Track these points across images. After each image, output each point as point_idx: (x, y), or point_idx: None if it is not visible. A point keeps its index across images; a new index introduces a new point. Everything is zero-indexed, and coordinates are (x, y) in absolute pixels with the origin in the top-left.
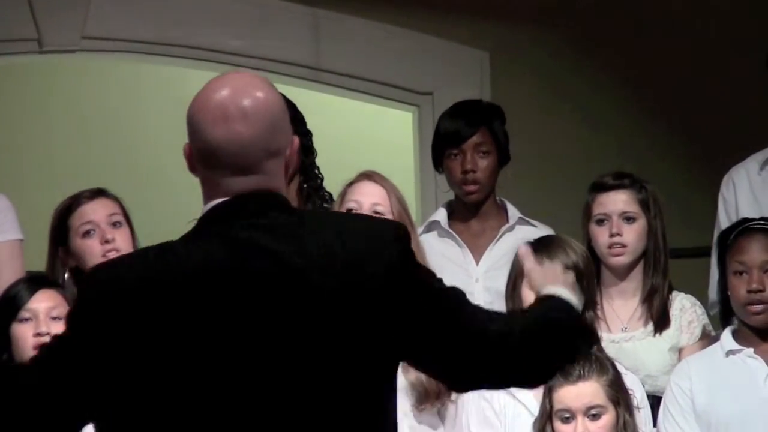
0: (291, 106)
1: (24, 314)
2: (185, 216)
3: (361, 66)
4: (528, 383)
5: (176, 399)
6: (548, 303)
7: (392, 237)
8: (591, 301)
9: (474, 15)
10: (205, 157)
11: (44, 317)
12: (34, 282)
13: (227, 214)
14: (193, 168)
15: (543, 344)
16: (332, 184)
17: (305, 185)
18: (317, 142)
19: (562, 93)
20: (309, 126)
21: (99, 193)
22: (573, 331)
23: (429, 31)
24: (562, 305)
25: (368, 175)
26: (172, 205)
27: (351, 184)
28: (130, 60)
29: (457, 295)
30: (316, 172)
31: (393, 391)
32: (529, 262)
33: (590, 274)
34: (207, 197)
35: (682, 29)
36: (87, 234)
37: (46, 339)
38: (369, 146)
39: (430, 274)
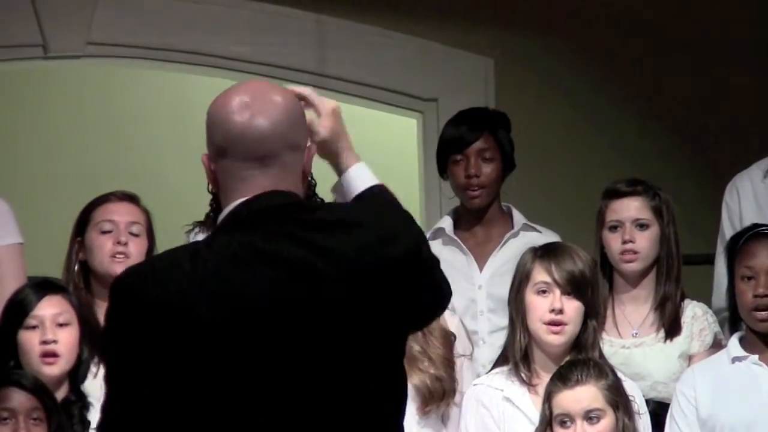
0: None
1: (30, 321)
2: (187, 220)
3: (366, 72)
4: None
5: (205, 405)
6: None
7: (411, 224)
8: (595, 311)
9: (479, 22)
10: (224, 150)
11: (50, 324)
12: (41, 288)
13: (250, 220)
14: (211, 174)
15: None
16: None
17: None
18: None
19: (567, 100)
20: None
21: (130, 198)
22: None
23: (433, 38)
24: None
25: None
26: (175, 210)
27: None
28: (134, 66)
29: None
30: (309, 177)
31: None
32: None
33: (596, 283)
34: (226, 197)
35: (688, 36)
36: (104, 231)
37: (53, 347)
38: (373, 152)
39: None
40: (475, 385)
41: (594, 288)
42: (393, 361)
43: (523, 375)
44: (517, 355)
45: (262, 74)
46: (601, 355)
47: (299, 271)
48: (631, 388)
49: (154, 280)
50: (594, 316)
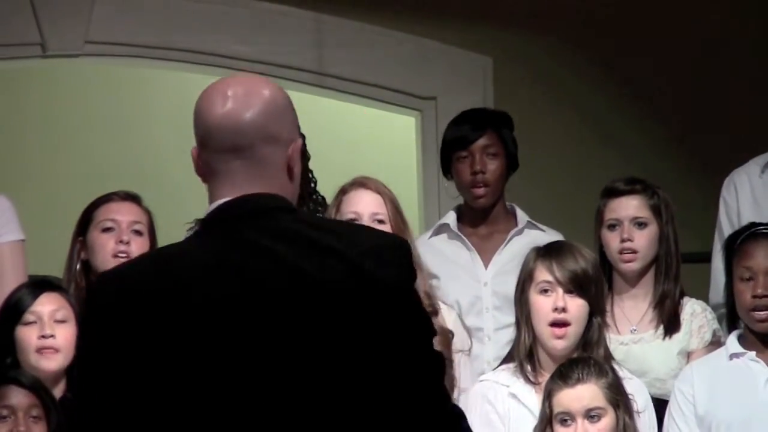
0: None
1: (28, 317)
2: (188, 218)
3: (364, 71)
4: None
5: (182, 404)
6: None
7: (401, 248)
8: (600, 308)
9: (478, 21)
10: (204, 139)
11: (48, 320)
12: (38, 285)
13: (230, 217)
14: (198, 168)
15: None
16: (334, 188)
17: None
18: (320, 146)
19: (565, 99)
20: (311, 129)
21: (132, 197)
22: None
23: (432, 37)
24: None
25: (363, 183)
26: (175, 209)
27: (345, 192)
28: (133, 65)
29: (439, 362)
30: (310, 175)
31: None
32: None
33: (599, 281)
34: (211, 193)
35: (685, 34)
36: (106, 230)
37: (51, 342)
38: (371, 151)
39: (423, 319)
40: (481, 381)
41: (598, 285)
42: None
43: (528, 373)
44: (522, 354)
45: (261, 73)
46: (608, 352)
47: (264, 255)
48: (636, 386)
49: (125, 272)
50: (599, 313)
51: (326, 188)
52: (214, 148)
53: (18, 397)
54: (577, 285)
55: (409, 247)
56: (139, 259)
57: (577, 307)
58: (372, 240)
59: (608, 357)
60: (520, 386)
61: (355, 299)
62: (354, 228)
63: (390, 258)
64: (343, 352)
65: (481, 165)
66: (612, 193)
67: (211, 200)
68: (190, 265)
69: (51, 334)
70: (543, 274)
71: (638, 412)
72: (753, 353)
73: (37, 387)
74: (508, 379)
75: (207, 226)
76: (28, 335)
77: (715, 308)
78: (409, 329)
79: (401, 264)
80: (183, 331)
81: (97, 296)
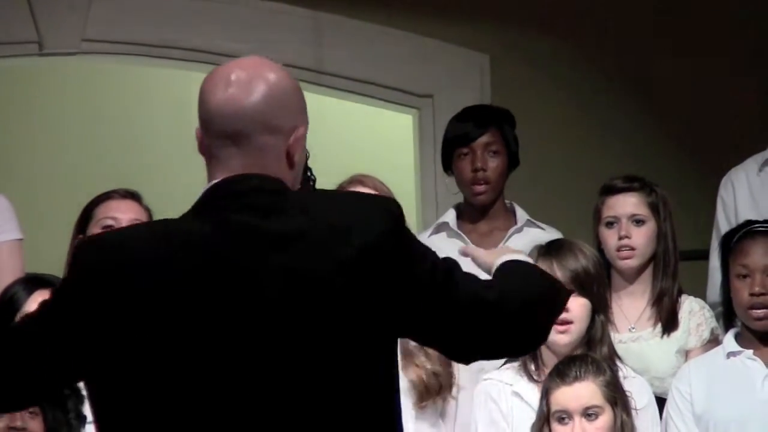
0: None
1: (19, 317)
2: None
3: (362, 69)
4: (527, 347)
5: (164, 381)
6: (518, 268)
7: (383, 208)
8: (603, 305)
9: (474, 18)
10: (205, 123)
11: None
12: (31, 283)
13: (220, 196)
14: (201, 148)
15: (535, 306)
16: (331, 186)
17: (297, 187)
18: (317, 144)
19: (563, 96)
20: (309, 127)
21: (132, 195)
22: (552, 288)
23: (430, 34)
24: (529, 268)
25: (360, 181)
26: (171, 207)
27: (344, 189)
28: (130, 63)
29: (450, 267)
30: (309, 173)
31: (394, 377)
32: (472, 250)
33: (601, 278)
34: (208, 176)
35: (684, 31)
36: (106, 227)
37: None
38: (369, 148)
39: (421, 247)
40: (485, 379)
41: (600, 283)
42: (367, 357)
43: (531, 372)
44: None
45: None
46: (612, 349)
47: (252, 231)
48: (639, 384)
49: (111, 239)
50: (602, 311)
51: (323, 186)
52: (214, 132)
53: None
54: (578, 284)
55: (393, 201)
56: (125, 229)
57: (579, 306)
58: (353, 203)
59: (612, 355)
60: (523, 385)
61: (342, 268)
62: (339, 200)
63: (370, 216)
64: (329, 323)
65: (482, 162)
66: (610, 190)
67: (208, 179)
68: (170, 241)
69: None
70: None
71: (636, 410)
72: (750, 351)
73: None
74: (511, 377)
75: (195, 206)
76: None
77: (712, 306)
78: (410, 274)
79: (383, 216)
80: (164, 307)
81: (78, 258)
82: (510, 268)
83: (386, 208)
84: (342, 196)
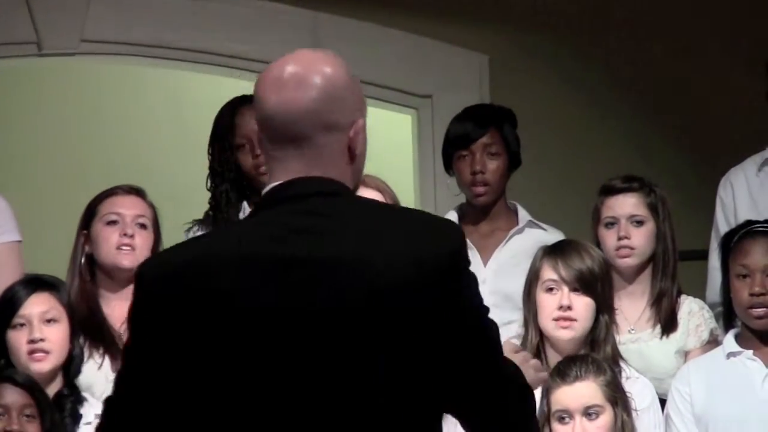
0: None
1: (18, 320)
2: (184, 218)
3: (360, 69)
4: None
5: (225, 394)
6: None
7: (447, 242)
8: (607, 306)
9: (473, 18)
10: (261, 125)
11: (38, 323)
12: (30, 285)
13: (278, 200)
14: (260, 148)
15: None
16: None
17: None
18: None
19: (562, 97)
20: None
21: (136, 191)
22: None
23: (428, 35)
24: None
25: (363, 181)
26: (171, 207)
27: None
28: (128, 63)
29: (494, 335)
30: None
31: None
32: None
33: (606, 279)
34: (269, 176)
35: (682, 32)
36: (110, 223)
37: (40, 345)
38: (369, 148)
39: (476, 298)
40: None
41: (605, 284)
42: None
43: None
44: (529, 352)
45: (257, 71)
46: (615, 350)
47: (307, 239)
48: (642, 385)
49: (166, 257)
50: (606, 311)
51: None
52: (271, 135)
53: (12, 395)
54: (582, 283)
55: (457, 232)
56: (180, 245)
57: (583, 305)
58: (418, 230)
59: (616, 355)
60: None
61: (396, 295)
62: (397, 218)
63: (431, 249)
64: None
65: (481, 165)
66: (609, 191)
67: (268, 183)
68: (232, 248)
69: (40, 338)
70: (548, 273)
71: (636, 410)
72: (750, 352)
73: (32, 386)
74: None
75: (253, 210)
76: (17, 339)
77: (712, 307)
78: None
79: (445, 251)
80: (221, 318)
81: (140, 284)
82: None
83: (448, 231)
84: (403, 210)
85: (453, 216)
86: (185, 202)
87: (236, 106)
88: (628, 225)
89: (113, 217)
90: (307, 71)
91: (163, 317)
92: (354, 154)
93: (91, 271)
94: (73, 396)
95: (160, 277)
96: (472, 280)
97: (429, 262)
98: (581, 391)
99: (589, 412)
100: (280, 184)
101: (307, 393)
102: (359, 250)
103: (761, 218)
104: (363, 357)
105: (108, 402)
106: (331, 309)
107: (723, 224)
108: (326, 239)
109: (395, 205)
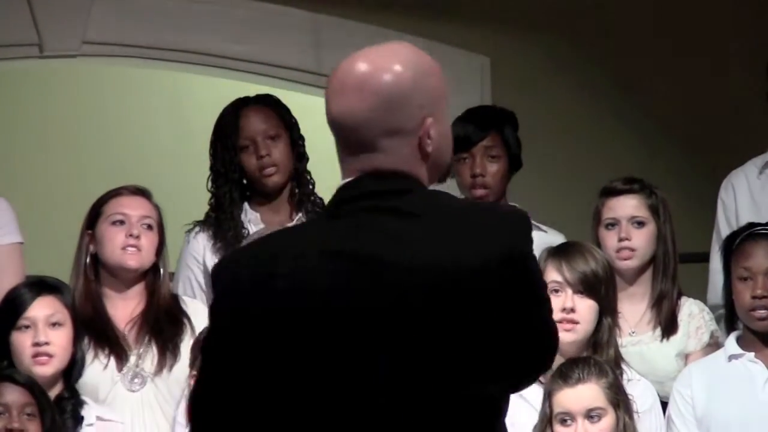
0: (285, 111)
1: (23, 322)
2: (184, 220)
3: None
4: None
5: (292, 391)
6: None
7: (514, 231)
8: (610, 309)
9: (475, 20)
10: (330, 128)
11: (43, 326)
12: (35, 287)
13: (350, 197)
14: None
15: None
16: (333, 189)
17: (297, 191)
18: (318, 147)
19: (563, 98)
20: (309, 130)
21: (142, 192)
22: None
23: (429, 36)
24: None
25: None
26: (172, 210)
27: None
28: (130, 65)
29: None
30: (308, 177)
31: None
32: None
33: (611, 282)
34: (341, 173)
35: (684, 31)
36: (115, 223)
37: (44, 348)
38: None
39: (541, 278)
40: None
41: (609, 286)
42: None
43: None
44: None
45: (258, 73)
46: (618, 353)
47: (379, 237)
48: (644, 387)
49: (240, 252)
50: (609, 313)
51: (325, 189)
52: (337, 138)
53: (13, 394)
54: (586, 286)
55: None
56: (256, 242)
57: (586, 307)
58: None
59: (618, 358)
60: None
61: (450, 287)
62: (466, 216)
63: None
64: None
65: (480, 168)
66: (610, 192)
67: (342, 179)
68: (303, 243)
69: (45, 341)
70: (552, 275)
71: (638, 413)
72: (752, 354)
73: (32, 385)
74: None
75: (327, 207)
76: (22, 341)
77: (713, 309)
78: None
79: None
80: (291, 311)
81: (219, 282)
82: None
83: (517, 222)
84: (472, 204)
85: None
86: (185, 203)
87: (239, 107)
88: (629, 226)
89: (119, 218)
90: (369, 75)
91: (243, 315)
92: (426, 153)
93: (95, 270)
94: (73, 399)
95: (238, 275)
96: (537, 264)
97: (496, 255)
98: (583, 394)
99: (591, 415)
100: (348, 182)
101: (395, 391)
102: (432, 252)
103: (763, 221)
104: (441, 348)
105: (195, 401)
106: (408, 308)
107: (724, 226)
108: (395, 240)
109: (462, 199)
